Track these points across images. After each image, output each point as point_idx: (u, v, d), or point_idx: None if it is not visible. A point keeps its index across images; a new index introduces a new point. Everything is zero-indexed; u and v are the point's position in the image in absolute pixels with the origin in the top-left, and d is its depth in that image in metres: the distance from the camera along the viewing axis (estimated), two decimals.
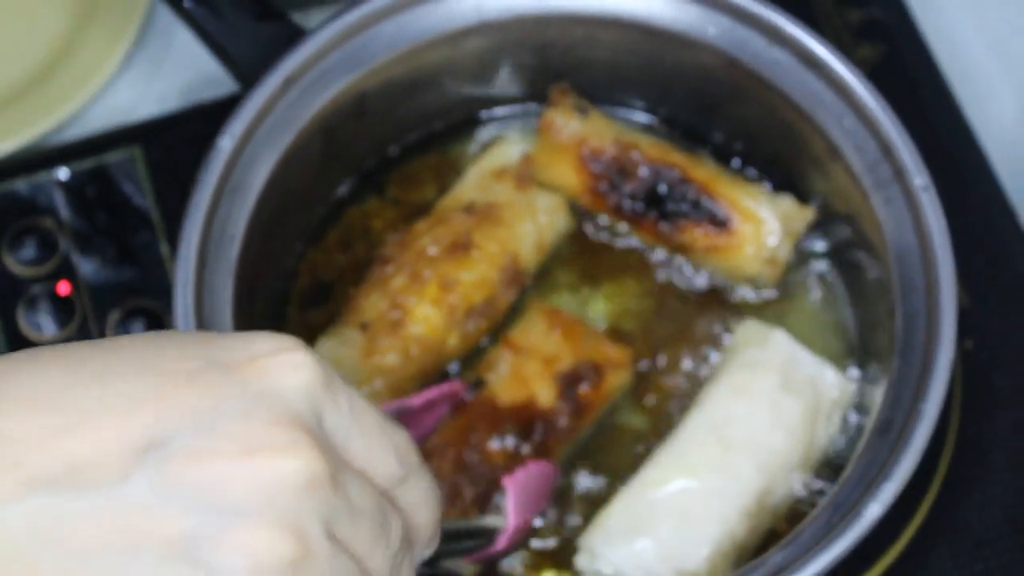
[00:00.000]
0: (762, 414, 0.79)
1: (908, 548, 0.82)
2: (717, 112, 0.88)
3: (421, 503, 0.56)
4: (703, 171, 0.85)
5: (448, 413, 0.80)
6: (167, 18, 1.01)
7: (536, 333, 0.82)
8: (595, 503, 0.81)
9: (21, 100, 0.98)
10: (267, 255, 0.83)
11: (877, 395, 0.77)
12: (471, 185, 0.88)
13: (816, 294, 0.87)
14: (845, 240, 0.84)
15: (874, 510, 0.69)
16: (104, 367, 0.50)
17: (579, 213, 0.89)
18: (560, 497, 0.81)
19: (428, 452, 0.78)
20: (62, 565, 0.48)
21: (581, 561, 0.78)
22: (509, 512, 0.72)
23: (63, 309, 0.90)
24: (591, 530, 0.78)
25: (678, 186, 0.85)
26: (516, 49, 0.87)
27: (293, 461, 0.49)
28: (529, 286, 0.87)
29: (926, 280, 0.75)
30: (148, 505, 0.48)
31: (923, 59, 0.98)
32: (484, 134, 0.92)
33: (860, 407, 0.82)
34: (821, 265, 0.87)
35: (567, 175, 0.87)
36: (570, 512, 0.81)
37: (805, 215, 0.85)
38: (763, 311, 0.86)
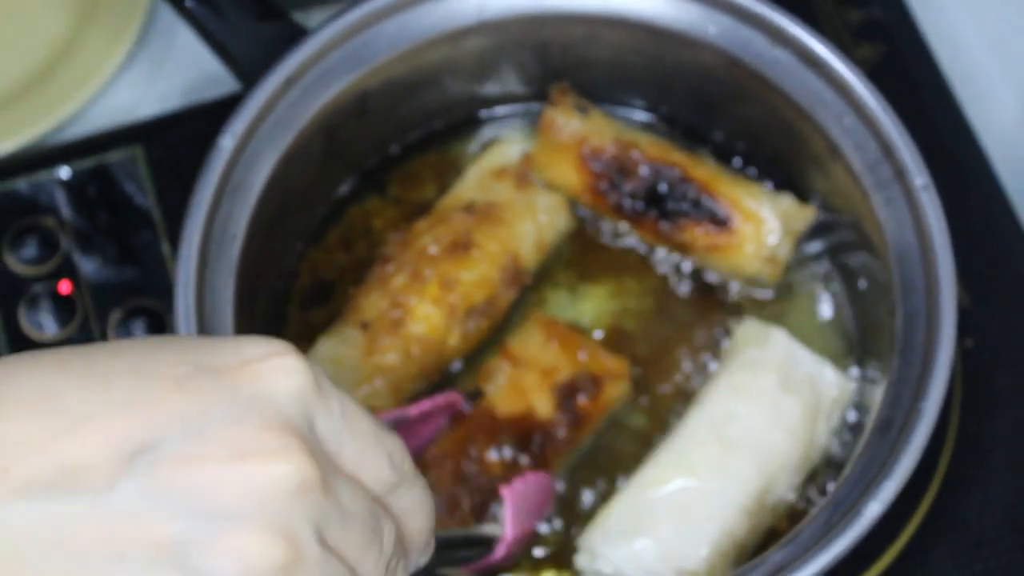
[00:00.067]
0: (762, 413, 0.79)
1: (908, 547, 0.82)
2: (717, 111, 0.88)
3: (414, 509, 0.56)
4: (703, 170, 0.85)
5: (446, 424, 0.80)
6: (168, 17, 1.01)
7: (534, 344, 0.82)
8: (594, 501, 0.81)
9: (22, 99, 0.98)
10: (268, 254, 0.83)
11: (877, 394, 0.77)
12: (471, 184, 0.88)
13: (816, 293, 0.87)
14: (845, 240, 0.84)
15: (874, 509, 0.69)
16: (94, 371, 0.50)
17: (579, 212, 0.89)
18: (564, 505, 0.81)
19: (426, 462, 0.78)
20: (51, 569, 0.47)
21: (581, 560, 0.78)
22: (507, 522, 0.72)
23: (64, 308, 0.90)
24: (591, 529, 0.78)
25: (678, 185, 0.85)
26: (516, 48, 0.87)
27: (284, 466, 0.49)
28: (529, 285, 0.87)
29: (926, 280, 0.75)
30: (137, 510, 0.48)
31: (923, 59, 0.98)
32: (485, 133, 0.92)
33: (860, 406, 0.82)
34: (821, 264, 0.87)
35: (567, 174, 0.87)
36: (575, 523, 0.81)
37: (805, 214, 0.85)
38: (763, 310, 0.86)
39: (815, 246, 0.87)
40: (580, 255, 0.88)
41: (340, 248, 0.89)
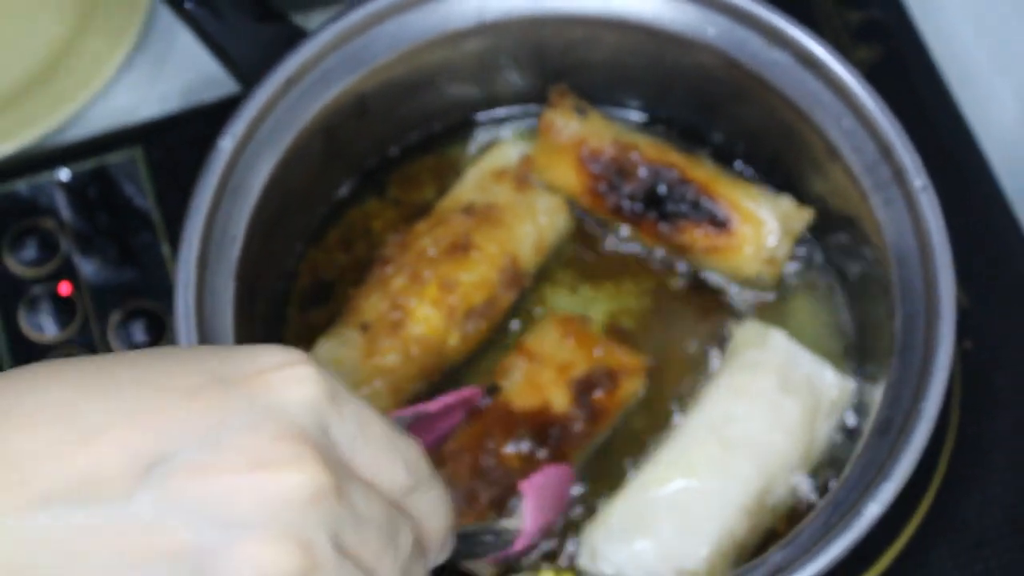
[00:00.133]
0: (762, 414, 0.79)
1: (907, 548, 0.82)
2: (716, 113, 0.88)
3: (432, 511, 0.56)
4: (702, 171, 0.86)
5: (464, 419, 0.80)
6: (168, 19, 1.01)
7: (550, 340, 0.82)
8: (595, 501, 0.81)
9: (22, 101, 0.98)
10: (268, 255, 0.83)
11: (876, 395, 0.77)
12: (471, 186, 0.88)
13: (815, 294, 0.87)
14: (844, 241, 0.84)
15: (873, 510, 0.69)
16: (110, 382, 0.50)
17: (578, 214, 0.89)
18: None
19: (444, 458, 0.78)
20: (69, 574, 0.48)
21: (582, 560, 0.78)
22: (527, 515, 0.72)
23: (64, 310, 0.90)
24: (592, 529, 0.78)
25: (677, 186, 0.85)
26: (515, 50, 0.87)
27: (298, 475, 0.49)
28: (529, 286, 0.87)
29: (925, 280, 0.75)
30: (153, 519, 0.48)
31: (922, 60, 0.98)
32: (484, 135, 0.92)
33: (859, 407, 0.82)
34: (820, 265, 0.87)
35: (566, 176, 0.87)
36: (571, 512, 0.81)
37: (804, 215, 0.85)
38: (762, 311, 0.86)
39: (814, 247, 0.87)
40: (579, 256, 0.88)
41: (340, 249, 0.89)
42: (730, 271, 0.86)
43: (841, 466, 0.80)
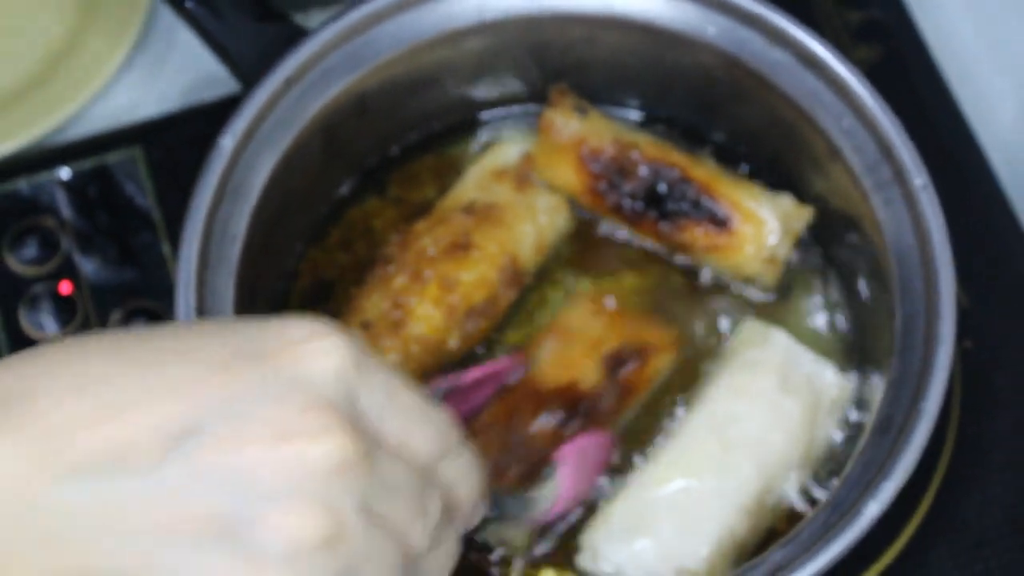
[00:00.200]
0: (762, 414, 0.79)
1: (907, 547, 0.82)
2: (717, 112, 0.88)
3: (462, 477, 0.57)
4: (703, 171, 0.86)
5: (495, 393, 0.80)
6: (168, 18, 1.02)
7: (582, 315, 0.83)
8: (596, 501, 0.81)
9: (23, 100, 0.98)
10: (268, 255, 0.83)
11: (877, 394, 0.77)
12: (471, 185, 0.88)
13: (816, 294, 0.87)
14: (844, 240, 0.84)
15: (873, 509, 0.69)
16: (142, 356, 0.51)
17: (579, 213, 0.89)
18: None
19: (473, 431, 0.79)
20: (102, 547, 0.49)
21: (582, 560, 0.78)
22: (562, 481, 0.73)
23: (65, 309, 0.90)
24: (592, 528, 0.78)
25: (678, 185, 0.85)
26: (516, 49, 0.87)
27: (325, 445, 0.50)
28: (529, 285, 0.87)
29: (926, 280, 0.75)
30: (184, 489, 0.49)
31: (923, 60, 0.98)
32: (484, 134, 0.92)
33: (860, 406, 0.82)
34: (820, 265, 0.87)
35: (567, 175, 0.87)
36: (572, 512, 0.81)
37: (805, 214, 0.85)
38: (763, 310, 0.86)
39: (814, 246, 0.87)
40: (580, 255, 0.88)
41: (340, 248, 0.89)
42: (731, 270, 0.86)
43: (841, 465, 0.80)
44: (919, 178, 0.77)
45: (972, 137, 0.95)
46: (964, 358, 0.87)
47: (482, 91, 0.90)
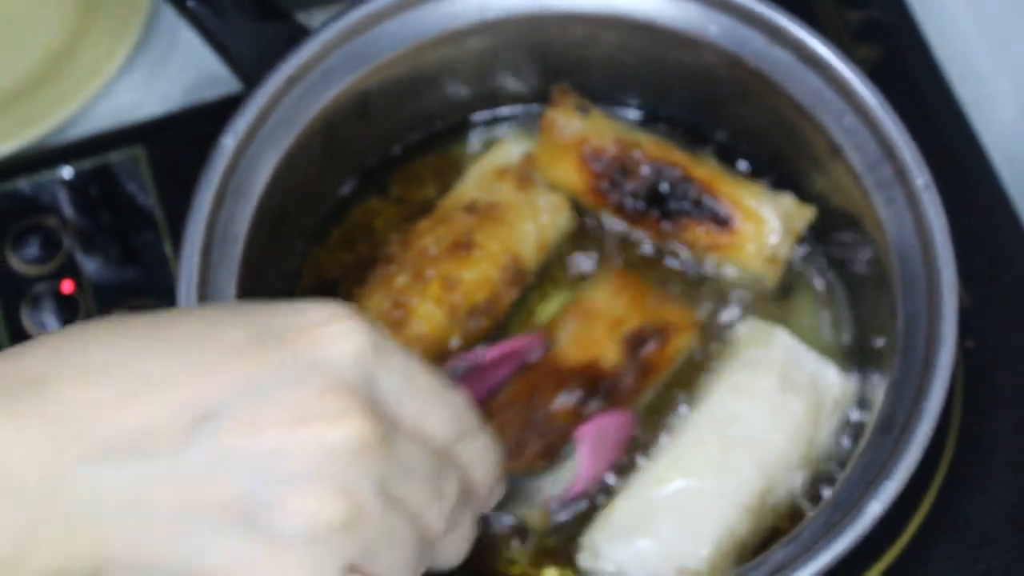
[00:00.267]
0: (764, 413, 0.79)
1: (909, 547, 0.82)
2: (718, 111, 0.88)
3: (479, 459, 0.58)
4: (704, 170, 0.86)
5: (516, 370, 0.80)
6: (170, 18, 1.02)
7: (605, 294, 0.83)
8: (597, 500, 0.81)
9: (24, 99, 0.98)
10: (270, 255, 0.83)
11: (878, 394, 0.77)
12: (473, 184, 0.88)
13: (817, 293, 0.87)
14: (846, 239, 0.84)
15: (875, 508, 0.69)
16: (164, 339, 0.52)
17: (581, 212, 0.89)
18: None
19: (493, 409, 0.79)
20: (123, 528, 0.50)
21: (583, 559, 0.78)
22: (582, 461, 0.73)
23: (67, 308, 0.90)
24: (593, 528, 0.78)
25: (679, 185, 0.85)
26: (518, 49, 0.87)
27: (343, 429, 0.51)
28: (531, 284, 0.87)
29: (927, 279, 0.75)
30: (205, 472, 0.50)
31: (924, 59, 0.98)
32: (486, 134, 0.92)
33: (861, 406, 0.82)
34: (822, 264, 0.87)
35: (569, 174, 0.87)
36: (573, 511, 0.81)
37: (806, 214, 0.85)
38: (765, 310, 0.86)
39: (816, 246, 0.87)
40: (581, 254, 0.88)
41: (342, 248, 0.89)
42: (732, 269, 0.86)
43: (843, 465, 0.80)
44: (921, 177, 0.77)
45: (974, 136, 0.95)
46: (966, 358, 0.87)
47: (484, 90, 0.90)
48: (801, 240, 0.86)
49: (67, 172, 0.95)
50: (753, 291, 0.86)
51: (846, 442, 0.81)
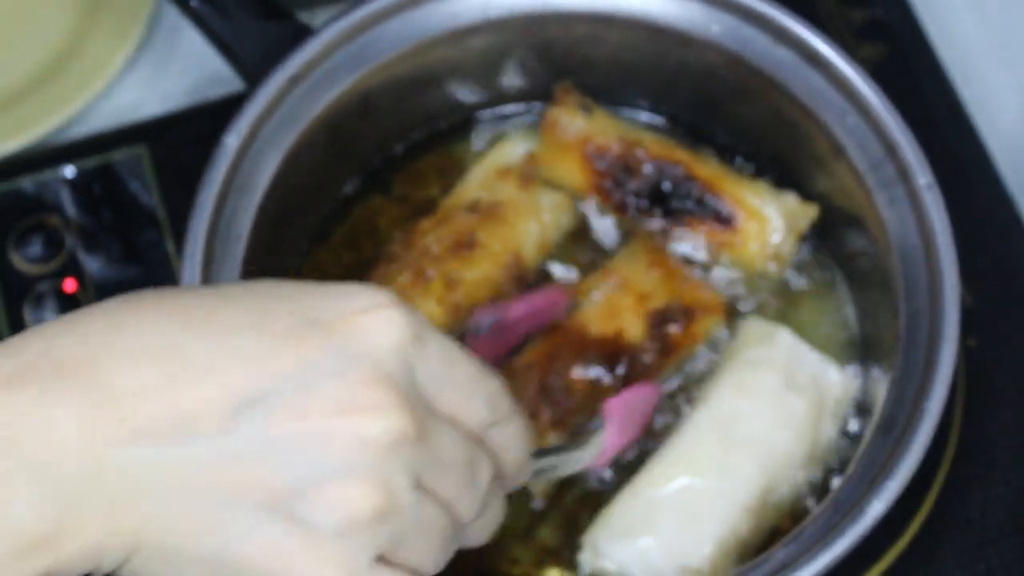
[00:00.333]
0: (765, 412, 0.79)
1: (910, 546, 0.82)
2: (720, 110, 0.88)
3: (512, 443, 0.58)
4: (707, 168, 0.86)
5: (538, 333, 0.81)
6: (173, 17, 1.02)
7: (636, 268, 0.83)
8: (598, 500, 0.81)
9: (27, 98, 0.98)
10: (273, 253, 0.83)
11: (880, 393, 0.77)
12: (475, 184, 0.88)
13: (819, 292, 0.87)
14: (848, 239, 0.84)
15: (876, 508, 0.69)
16: (210, 321, 0.52)
17: (582, 211, 0.89)
18: (563, 495, 0.81)
19: (514, 370, 0.79)
20: (159, 510, 0.50)
21: (585, 558, 0.78)
22: (609, 433, 0.73)
23: (69, 306, 0.90)
24: (595, 527, 0.78)
25: (682, 183, 0.85)
26: (520, 47, 0.87)
27: (384, 421, 0.51)
28: (533, 283, 0.87)
29: (929, 278, 0.75)
30: (246, 459, 0.50)
31: (926, 59, 0.98)
32: (488, 133, 0.92)
33: (863, 405, 0.82)
34: (824, 263, 0.87)
35: (571, 173, 0.87)
36: (574, 510, 0.81)
37: (809, 212, 0.85)
38: (766, 309, 0.86)
39: (818, 245, 0.87)
40: (582, 254, 0.88)
41: (345, 247, 0.89)
42: (735, 268, 0.86)
43: (845, 464, 0.80)
44: (923, 177, 0.77)
45: (976, 136, 0.95)
46: (968, 356, 0.87)
47: (486, 89, 0.90)
48: (803, 239, 0.86)
49: (70, 171, 0.95)
50: (755, 290, 0.86)
51: (848, 441, 0.81)
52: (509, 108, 0.92)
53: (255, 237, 0.79)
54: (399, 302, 0.54)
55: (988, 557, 0.83)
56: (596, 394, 0.79)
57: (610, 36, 0.85)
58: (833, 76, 0.80)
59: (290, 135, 0.81)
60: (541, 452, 0.66)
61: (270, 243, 0.81)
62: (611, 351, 0.80)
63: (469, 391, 0.56)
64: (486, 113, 0.92)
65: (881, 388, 0.77)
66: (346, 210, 0.90)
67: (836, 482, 0.80)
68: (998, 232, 0.92)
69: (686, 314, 0.82)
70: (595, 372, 0.80)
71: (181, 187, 0.92)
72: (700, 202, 0.85)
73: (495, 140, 0.91)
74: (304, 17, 0.87)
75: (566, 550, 0.80)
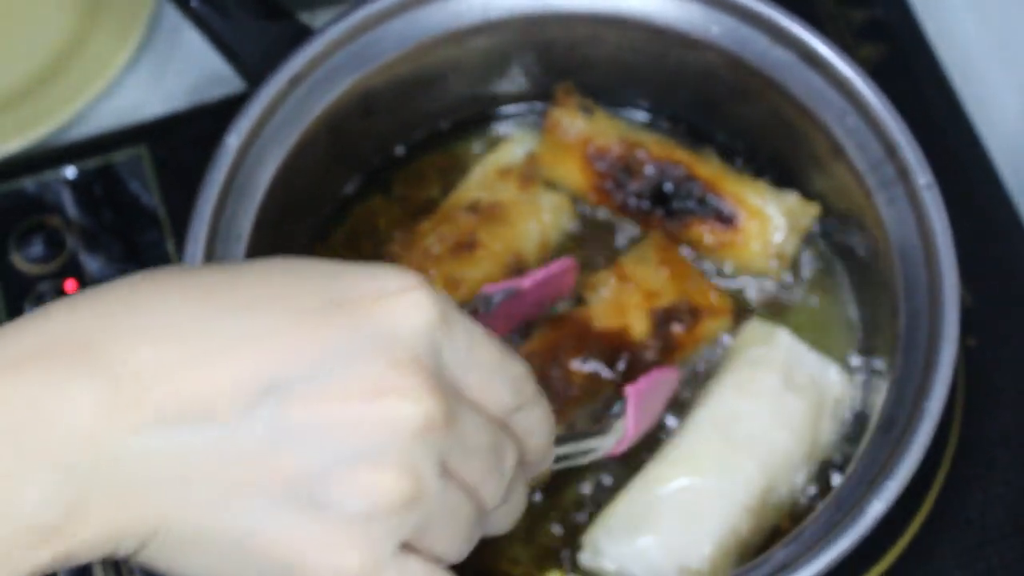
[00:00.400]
0: (766, 412, 0.79)
1: (911, 546, 0.82)
2: (720, 111, 0.88)
3: (535, 428, 0.57)
4: (708, 168, 0.86)
5: (548, 307, 0.81)
6: (174, 17, 1.02)
7: (646, 265, 0.83)
8: (598, 500, 0.81)
9: (28, 99, 0.98)
10: (274, 253, 0.83)
11: (880, 393, 0.77)
12: (476, 184, 0.88)
13: (819, 292, 0.87)
14: (848, 239, 0.84)
15: (877, 508, 0.69)
16: (230, 301, 0.50)
17: (584, 211, 0.89)
18: (563, 495, 0.82)
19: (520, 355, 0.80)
20: (177, 496, 0.48)
21: (585, 558, 0.78)
22: (629, 419, 0.73)
23: None
24: (595, 527, 0.78)
25: (684, 184, 0.85)
26: (521, 48, 0.87)
27: (412, 406, 0.50)
28: None
29: (929, 278, 0.76)
30: (267, 443, 0.49)
31: (926, 59, 0.98)
32: (489, 133, 0.92)
33: (863, 405, 0.82)
34: (824, 263, 0.87)
35: (572, 174, 0.87)
36: (575, 510, 0.81)
37: (810, 211, 0.85)
38: (767, 308, 0.86)
39: (818, 245, 0.87)
40: (583, 253, 0.88)
41: (346, 247, 0.89)
42: (736, 267, 0.86)
43: (844, 464, 0.80)
44: (923, 177, 0.77)
45: (976, 136, 0.95)
46: (967, 356, 0.87)
47: (487, 90, 0.90)
48: (804, 238, 0.86)
49: (71, 172, 0.95)
50: (756, 289, 0.86)
51: (848, 441, 0.81)
52: (510, 109, 0.92)
53: (256, 237, 0.79)
54: (426, 284, 0.53)
55: (988, 557, 0.83)
56: (593, 389, 0.79)
57: (610, 37, 0.85)
58: (833, 76, 0.80)
59: (291, 135, 0.81)
60: (563, 438, 0.66)
61: (271, 243, 0.81)
62: (613, 346, 0.80)
63: (494, 375, 0.54)
64: (487, 114, 0.92)
65: (881, 388, 0.77)
66: (347, 210, 0.90)
67: (836, 482, 0.80)
68: (998, 232, 0.92)
69: (692, 314, 0.82)
70: (596, 366, 0.80)
71: (182, 188, 0.92)
72: (702, 202, 0.85)
73: (496, 141, 0.91)
74: (305, 17, 0.87)
75: (566, 550, 0.80)
